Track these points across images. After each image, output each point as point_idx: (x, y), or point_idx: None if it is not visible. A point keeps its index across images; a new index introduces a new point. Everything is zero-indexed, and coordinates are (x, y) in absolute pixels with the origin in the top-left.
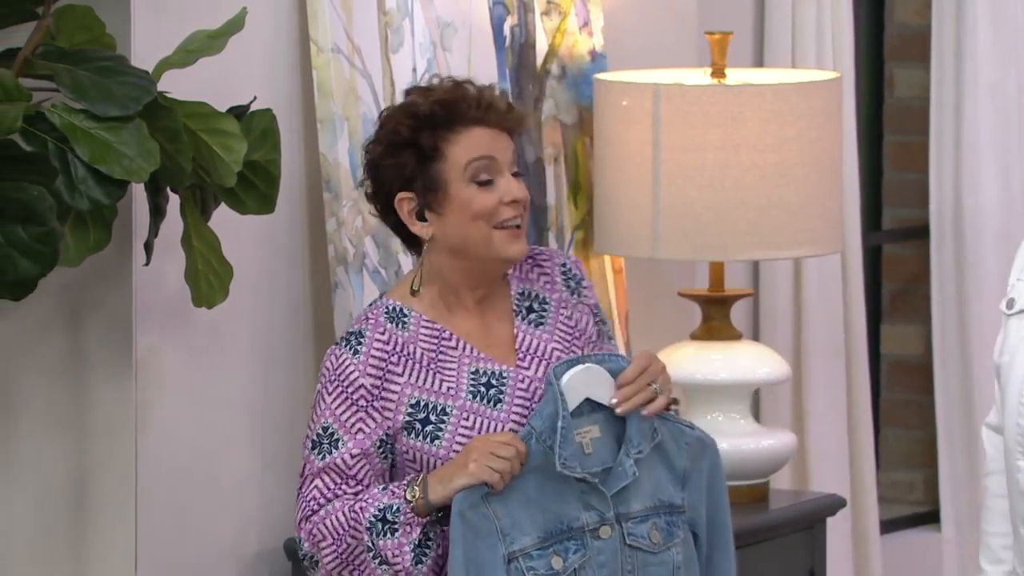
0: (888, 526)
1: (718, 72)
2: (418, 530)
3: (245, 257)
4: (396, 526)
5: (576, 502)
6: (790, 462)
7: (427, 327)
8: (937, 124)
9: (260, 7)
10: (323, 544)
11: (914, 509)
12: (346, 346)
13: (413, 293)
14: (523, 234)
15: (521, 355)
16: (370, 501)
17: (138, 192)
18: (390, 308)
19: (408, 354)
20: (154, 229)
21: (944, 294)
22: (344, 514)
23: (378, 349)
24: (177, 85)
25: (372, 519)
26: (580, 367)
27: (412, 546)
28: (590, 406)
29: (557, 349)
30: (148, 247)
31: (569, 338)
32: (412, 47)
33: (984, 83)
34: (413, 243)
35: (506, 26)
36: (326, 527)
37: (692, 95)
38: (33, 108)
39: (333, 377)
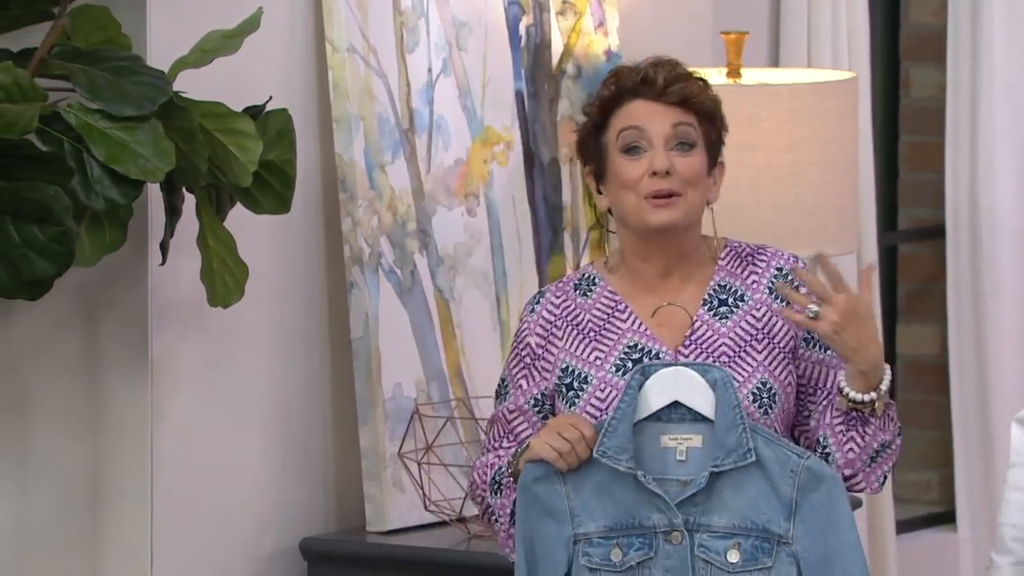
0: (904, 526)
1: (734, 72)
2: (513, 494)
3: (260, 257)
4: (501, 487)
5: (648, 501)
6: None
7: (608, 297)
8: (953, 124)
9: (276, 7)
10: (474, 493)
11: (930, 509)
12: (530, 303)
13: (606, 264)
14: (673, 203)
15: (688, 342)
16: (500, 460)
17: (154, 192)
18: (583, 275)
19: (574, 321)
20: (170, 229)
21: (960, 294)
22: (486, 469)
23: (549, 312)
24: (193, 85)
25: (492, 478)
26: (669, 368)
27: (511, 508)
28: (693, 415)
29: (727, 346)
30: (164, 247)
31: (748, 338)
32: (428, 47)
33: (1000, 83)
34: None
35: (521, 26)
36: (476, 477)
37: None
38: (49, 108)
39: (516, 331)
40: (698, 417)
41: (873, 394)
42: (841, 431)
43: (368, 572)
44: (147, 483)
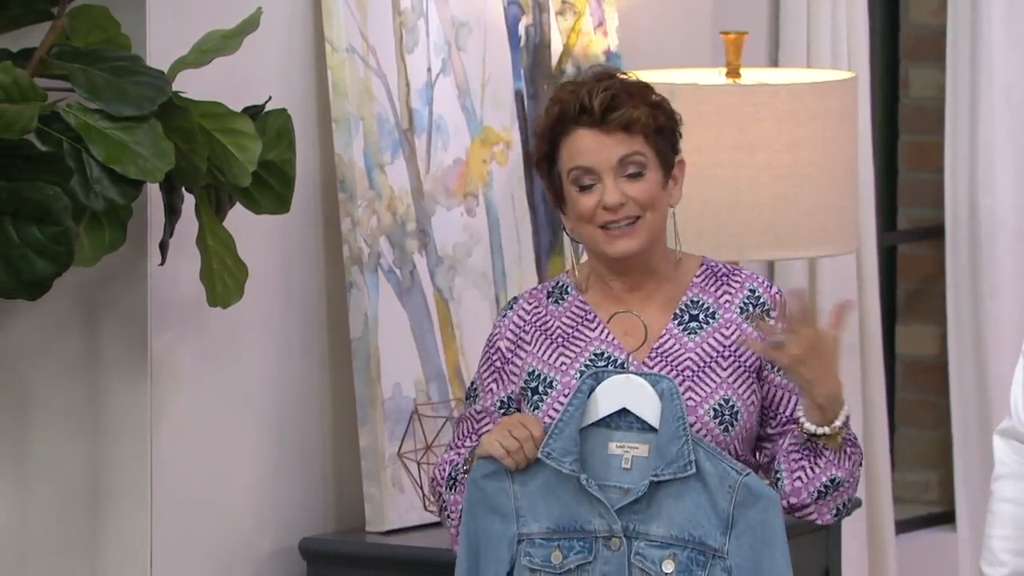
0: (903, 526)
1: (733, 72)
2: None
3: (260, 257)
4: (457, 483)
5: (590, 506)
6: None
7: (579, 306)
8: (952, 124)
9: (275, 7)
10: (433, 489)
11: (929, 509)
12: (503, 308)
13: (578, 275)
14: (630, 232)
15: (654, 354)
16: (459, 457)
17: (153, 192)
18: (557, 283)
19: (544, 327)
20: (169, 229)
21: (959, 294)
22: (445, 466)
23: (520, 317)
24: (192, 85)
25: (449, 474)
26: (620, 375)
27: (461, 505)
28: (642, 424)
29: (692, 360)
30: (163, 247)
31: (714, 355)
32: (427, 47)
33: (999, 83)
34: None
35: (521, 26)
36: (436, 474)
37: (707, 95)
38: (48, 108)
39: (489, 335)
40: (647, 427)
41: (826, 428)
42: (794, 459)
43: (367, 572)
44: (147, 482)
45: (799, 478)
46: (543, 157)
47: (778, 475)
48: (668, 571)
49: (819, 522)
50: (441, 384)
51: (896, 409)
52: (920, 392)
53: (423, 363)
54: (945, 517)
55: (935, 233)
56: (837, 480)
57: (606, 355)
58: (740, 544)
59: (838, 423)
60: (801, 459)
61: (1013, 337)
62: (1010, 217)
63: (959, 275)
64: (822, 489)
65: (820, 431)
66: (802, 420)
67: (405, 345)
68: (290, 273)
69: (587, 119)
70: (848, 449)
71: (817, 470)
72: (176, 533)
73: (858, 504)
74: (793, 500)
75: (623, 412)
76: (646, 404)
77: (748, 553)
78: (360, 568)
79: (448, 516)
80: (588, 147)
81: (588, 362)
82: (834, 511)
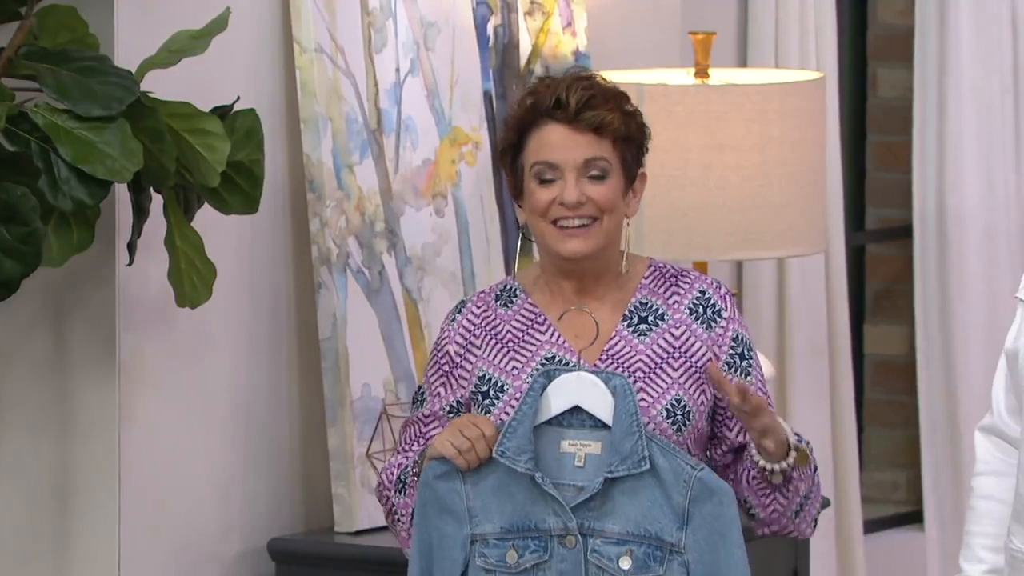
0: (871, 526)
1: (702, 72)
2: (416, 493)
3: (228, 257)
4: (406, 486)
5: (545, 504)
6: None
7: (528, 310)
8: (920, 124)
9: (243, 7)
10: (380, 493)
11: (897, 509)
12: (451, 313)
13: (526, 277)
14: (584, 233)
15: (605, 356)
16: (407, 460)
17: (121, 192)
18: (505, 287)
19: (493, 331)
20: (137, 229)
21: (927, 294)
22: (392, 469)
23: (469, 321)
24: (160, 85)
25: (397, 477)
26: (572, 373)
27: (412, 508)
28: (593, 421)
29: (643, 362)
30: (131, 247)
31: (664, 356)
32: (395, 47)
33: (967, 83)
34: None
35: (489, 26)
36: (383, 478)
37: (676, 95)
38: (16, 108)
39: (436, 340)
40: (598, 424)
41: (786, 462)
42: (765, 492)
43: (336, 572)
44: (115, 483)
45: (775, 509)
46: (509, 147)
47: (752, 510)
48: (625, 567)
49: (802, 537)
50: (410, 384)
51: (864, 409)
52: (888, 392)
53: (392, 363)
54: (913, 517)
55: (903, 233)
56: (806, 492)
57: (557, 358)
58: (697, 539)
59: (792, 456)
60: (771, 491)
61: (981, 337)
62: (978, 217)
63: (927, 275)
64: (798, 508)
65: (778, 467)
66: (760, 463)
67: (374, 345)
68: (259, 273)
69: (560, 114)
70: (812, 460)
71: (790, 495)
72: (144, 533)
73: (826, 504)
74: (775, 527)
75: (575, 410)
76: (598, 401)
77: (705, 547)
78: (329, 568)
79: (398, 519)
80: (556, 142)
81: (540, 366)
82: (812, 523)
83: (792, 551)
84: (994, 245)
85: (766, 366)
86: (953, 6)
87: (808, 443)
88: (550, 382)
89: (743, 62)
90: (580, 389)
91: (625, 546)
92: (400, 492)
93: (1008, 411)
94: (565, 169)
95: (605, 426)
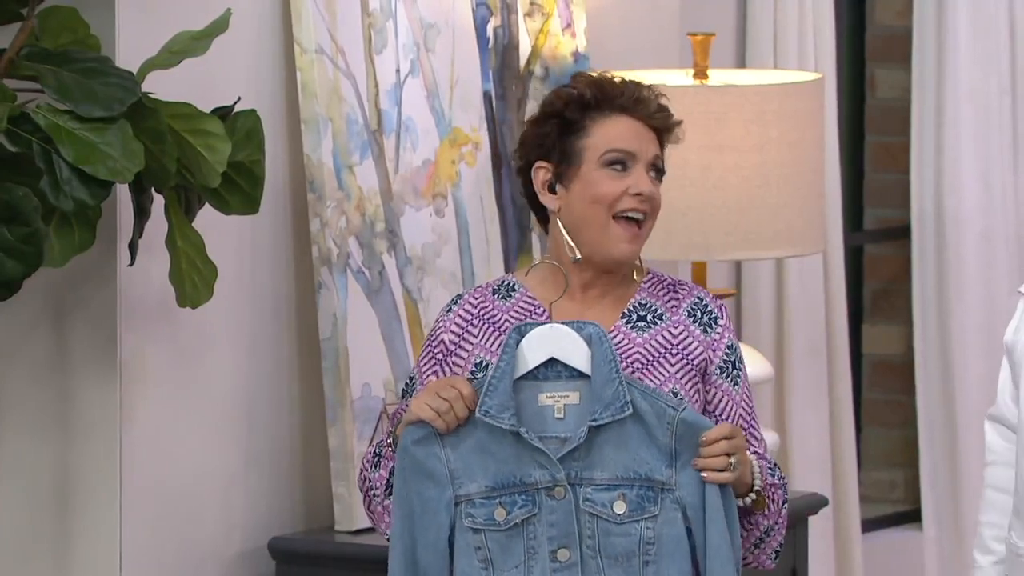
0: (869, 525)
1: (700, 73)
2: (391, 464)
3: (229, 257)
4: (381, 459)
5: (529, 458)
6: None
7: (527, 302)
8: (918, 125)
9: (244, 8)
10: (361, 483)
11: (895, 508)
12: (446, 305)
13: (527, 273)
14: (640, 237)
15: None
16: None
17: (122, 193)
18: (503, 282)
19: (491, 320)
20: (138, 229)
21: (925, 294)
22: (369, 453)
23: (465, 311)
24: (161, 86)
25: (373, 453)
26: (545, 326)
27: (386, 479)
28: (569, 372)
29: (641, 355)
30: (132, 247)
31: (662, 351)
32: (396, 48)
33: (965, 84)
34: (543, 217)
35: (489, 27)
36: (362, 464)
37: (674, 96)
38: (18, 109)
39: (430, 331)
40: (574, 374)
41: (748, 498)
42: None
43: (336, 571)
44: (116, 483)
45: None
46: (561, 129)
47: None
48: (620, 512)
49: (761, 568)
50: None
51: (862, 408)
52: (886, 391)
53: (392, 363)
54: (911, 516)
55: (901, 233)
56: (768, 528)
57: None
58: (687, 475)
59: (757, 484)
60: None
61: (979, 337)
62: (975, 217)
63: (925, 275)
64: (757, 541)
65: (745, 502)
66: None
67: (374, 345)
68: (259, 273)
69: (638, 110)
70: (770, 503)
71: (750, 527)
72: (145, 533)
73: (825, 503)
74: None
75: (550, 363)
76: (573, 351)
77: (695, 481)
78: (329, 568)
79: (374, 494)
80: (634, 133)
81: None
82: (772, 555)
83: (791, 550)
84: (992, 246)
85: (765, 366)
86: (951, 7)
87: (783, 478)
88: (523, 337)
89: (742, 63)
90: (554, 340)
91: (617, 490)
92: (375, 466)
93: (1012, 399)
94: (641, 160)
95: (581, 375)
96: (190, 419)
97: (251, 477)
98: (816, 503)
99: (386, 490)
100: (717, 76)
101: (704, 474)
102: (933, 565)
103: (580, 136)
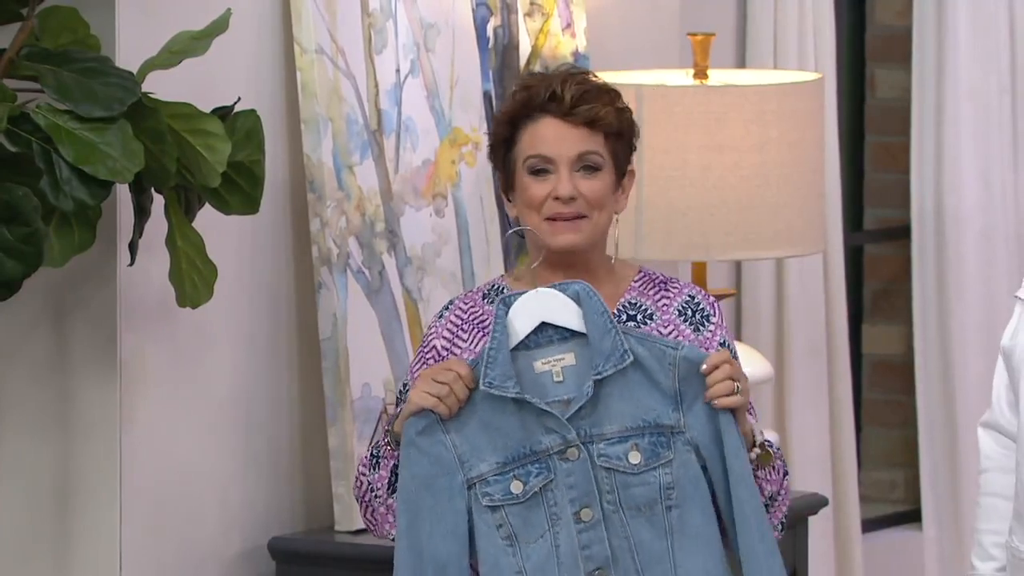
0: (870, 525)
1: (700, 73)
2: (392, 462)
3: (229, 257)
4: (379, 460)
5: (537, 425)
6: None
7: None
8: (918, 125)
9: (244, 8)
10: (358, 490)
11: (895, 508)
12: (439, 310)
13: (515, 277)
14: (576, 226)
15: None
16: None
17: (122, 193)
18: (493, 286)
19: (481, 324)
20: (138, 229)
21: (925, 294)
22: (366, 458)
23: (456, 316)
24: (161, 86)
25: (370, 454)
26: (529, 293)
27: (388, 478)
28: (560, 334)
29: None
30: (132, 247)
31: None
32: (396, 48)
33: (965, 84)
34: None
35: (489, 27)
36: (358, 470)
37: (674, 96)
38: (17, 109)
39: (423, 337)
40: (565, 335)
41: (756, 450)
42: None
43: (336, 572)
44: (116, 483)
45: None
46: (501, 141)
47: (720, 509)
48: (635, 462)
49: None
50: None
51: (862, 408)
52: (886, 391)
53: (392, 363)
54: (911, 516)
55: (901, 233)
56: (772, 495)
57: None
58: (695, 414)
59: (759, 438)
60: None
61: (979, 337)
62: (975, 217)
63: (925, 275)
64: (764, 505)
65: (752, 456)
66: None
67: (374, 345)
68: (259, 273)
69: (555, 108)
70: (776, 463)
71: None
72: (146, 533)
73: (825, 503)
74: None
75: (539, 329)
76: (563, 312)
77: (704, 419)
78: (329, 568)
79: (374, 495)
80: (551, 136)
81: None
82: (779, 526)
83: (791, 550)
84: (992, 245)
85: (764, 366)
86: (951, 7)
87: (779, 451)
88: (510, 308)
89: (742, 63)
90: (542, 305)
91: (629, 441)
92: (374, 468)
93: (1008, 406)
94: (559, 162)
95: (572, 336)
96: (190, 419)
97: (251, 477)
98: (816, 503)
99: (388, 489)
100: (717, 76)
101: (715, 402)
102: (933, 565)
103: (512, 147)
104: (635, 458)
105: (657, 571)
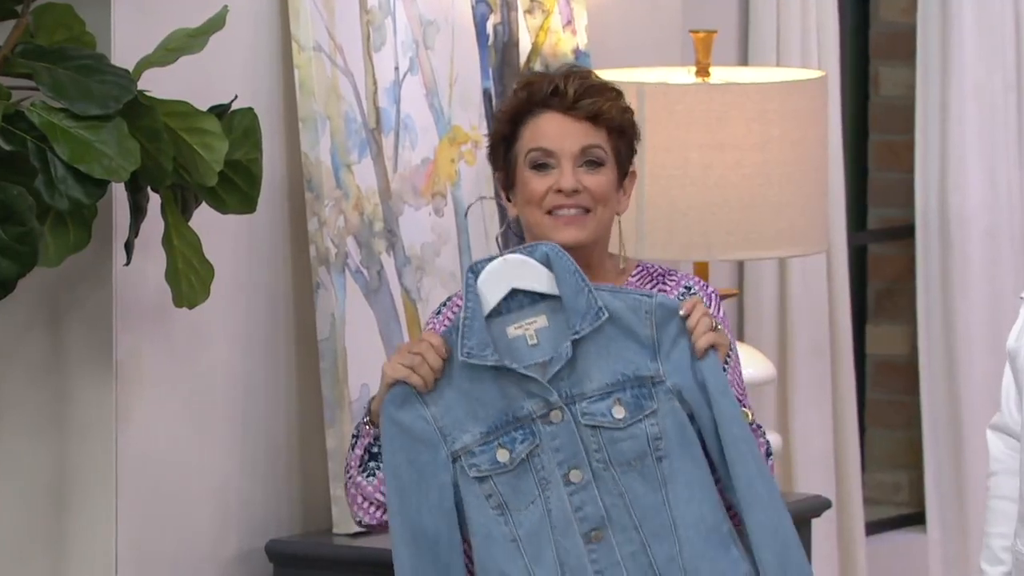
0: (873, 527)
1: (702, 71)
2: (367, 440)
3: (226, 257)
4: (357, 439)
5: (517, 391)
6: (775, 463)
7: None
8: (922, 123)
9: (241, 5)
10: (347, 468)
11: (899, 510)
12: (437, 307)
13: None
14: (579, 222)
15: None
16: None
17: (118, 191)
18: None
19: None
20: (134, 229)
21: (929, 294)
22: (352, 433)
23: (454, 312)
24: (158, 84)
25: (352, 435)
26: (496, 259)
27: (361, 456)
28: (531, 298)
29: None
30: (128, 247)
31: None
32: (394, 45)
33: (969, 82)
34: None
35: (489, 24)
36: (350, 462)
37: (676, 94)
38: (12, 107)
39: (422, 335)
40: (536, 299)
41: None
42: None
43: (334, 574)
44: (112, 484)
45: None
46: (501, 139)
47: None
48: (620, 416)
49: None
50: None
51: (866, 409)
52: (890, 392)
53: None
54: (915, 518)
55: (905, 233)
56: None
57: None
58: (673, 360)
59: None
60: None
61: (983, 337)
62: (980, 216)
63: (929, 275)
64: None
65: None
66: None
67: (373, 346)
68: (256, 273)
69: (557, 102)
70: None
71: None
72: (142, 535)
73: (828, 505)
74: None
75: (509, 295)
76: (532, 276)
77: (682, 364)
78: (327, 570)
79: (349, 476)
80: (553, 130)
81: None
82: None
83: None
84: (996, 244)
85: (767, 367)
86: (956, 4)
87: (761, 430)
88: (478, 276)
89: (744, 61)
90: (511, 271)
91: (611, 397)
92: (352, 448)
93: (1016, 406)
94: (562, 156)
95: (542, 298)
96: (187, 419)
97: (248, 478)
98: (819, 505)
99: (360, 467)
100: (719, 74)
101: (700, 340)
102: (937, 568)
103: (513, 143)
104: (619, 413)
105: (655, 523)
